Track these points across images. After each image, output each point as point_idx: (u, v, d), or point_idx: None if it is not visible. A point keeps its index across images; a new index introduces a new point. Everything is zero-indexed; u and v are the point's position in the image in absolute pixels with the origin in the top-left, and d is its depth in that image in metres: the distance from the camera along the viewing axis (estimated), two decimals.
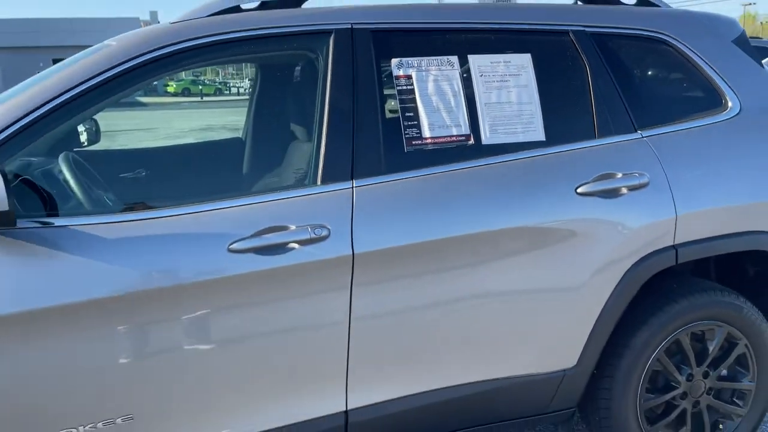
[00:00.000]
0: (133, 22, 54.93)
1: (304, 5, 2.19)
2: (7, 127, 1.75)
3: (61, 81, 1.83)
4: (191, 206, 1.88)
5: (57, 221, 1.77)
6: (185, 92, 56.08)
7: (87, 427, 1.78)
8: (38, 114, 1.77)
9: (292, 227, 1.89)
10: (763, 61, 7.25)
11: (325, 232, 1.90)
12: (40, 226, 1.73)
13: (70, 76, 1.85)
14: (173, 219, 1.83)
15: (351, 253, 1.92)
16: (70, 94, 1.81)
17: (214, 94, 56.82)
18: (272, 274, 1.86)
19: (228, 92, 62.97)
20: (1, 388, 1.71)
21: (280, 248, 1.87)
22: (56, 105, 1.79)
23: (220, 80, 66.12)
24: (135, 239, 1.78)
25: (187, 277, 1.80)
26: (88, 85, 1.83)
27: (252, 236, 1.85)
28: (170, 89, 58.15)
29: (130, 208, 1.90)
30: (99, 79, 1.84)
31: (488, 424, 2.29)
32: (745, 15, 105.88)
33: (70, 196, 1.96)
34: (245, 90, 63.19)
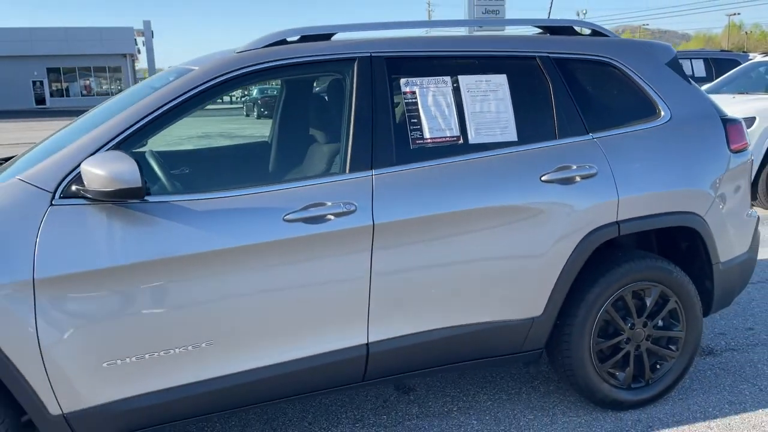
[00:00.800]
0: (126, 32, 55.37)
1: (333, 38, 2.86)
2: (129, 127, 2.42)
3: (162, 95, 2.50)
4: (256, 188, 2.55)
5: (156, 198, 2.43)
6: None
7: (180, 349, 2.43)
8: (149, 119, 2.44)
9: (329, 203, 2.55)
10: (733, 70, 7.96)
11: (353, 208, 2.57)
12: (147, 202, 2.38)
13: (167, 92, 2.51)
14: (243, 197, 2.50)
15: (372, 223, 2.59)
16: (170, 105, 2.48)
17: None
18: (314, 238, 2.53)
19: (220, 101, 63.60)
20: (129, 317, 2.35)
21: (320, 219, 2.53)
22: (161, 113, 2.46)
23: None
24: (217, 211, 2.44)
25: (255, 239, 2.46)
26: (182, 99, 2.50)
27: (300, 210, 2.51)
28: None
29: (211, 189, 2.55)
30: (189, 94, 2.51)
31: (476, 360, 2.96)
32: (730, 25, 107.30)
33: (164, 181, 2.61)
34: (236, 99, 63.36)
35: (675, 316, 3.16)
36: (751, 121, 7.40)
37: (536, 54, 3.02)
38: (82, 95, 55.21)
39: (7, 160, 3.23)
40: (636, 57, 3.18)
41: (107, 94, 55.66)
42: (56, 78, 53.93)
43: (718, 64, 12.45)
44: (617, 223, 2.94)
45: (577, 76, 3.06)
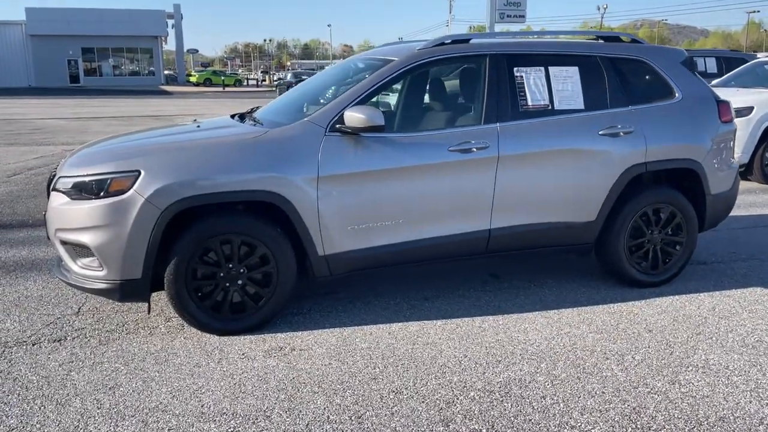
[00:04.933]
0: (158, 14, 57.06)
1: (471, 42, 4.57)
2: (363, 93, 4.14)
3: (378, 75, 4.21)
4: (436, 131, 4.28)
5: (381, 134, 4.13)
6: (207, 82, 58.40)
7: (387, 222, 4.16)
8: (373, 88, 4.16)
9: (473, 141, 4.28)
10: (742, 66, 9.71)
11: (487, 145, 4.30)
12: (379, 135, 4.10)
13: (381, 73, 4.22)
14: (426, 135, 4.23)
15: (497, 155, 4.31)
16: (384, 80, 4.21)
17: (234, 85, 59.13)
18: (464, 161, 4.25)
19: (246, 84, 65.44)
20: (362, 201, 4.08)
21: (468, 151, 4.26)
22: (379, 85, 4.18)
23: (229, 73, 68.42)
24: (412, 143, 4.17)
25: (432, 161, 4.19)
26: (390, 77, 4.23)
27: (457, 144, 4.24)
28: (192, 79, 60.46)
29: (407, 131, 4.26)
30: (396, 74, 4.24)
31: (552, 246, 4.68)
32: (749, 23, 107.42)
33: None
34: (260, 82, 64.48)
35: (680, 227, 4.87)
36: (749, 110, 9.07)
37: (596, 54, 4.73)
38: (114, 75, 56.98)
39: (251, 111, 5.01)
40: (660, 57, 4.88)
41: (138, 74, 57.37)
42: (90, 58, 55.74)
43: (728, 62, 14.20)
44: (645, 163, 4.65)
45: (622, 69, 4.76)
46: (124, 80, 55.83)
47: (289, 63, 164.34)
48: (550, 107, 4.53)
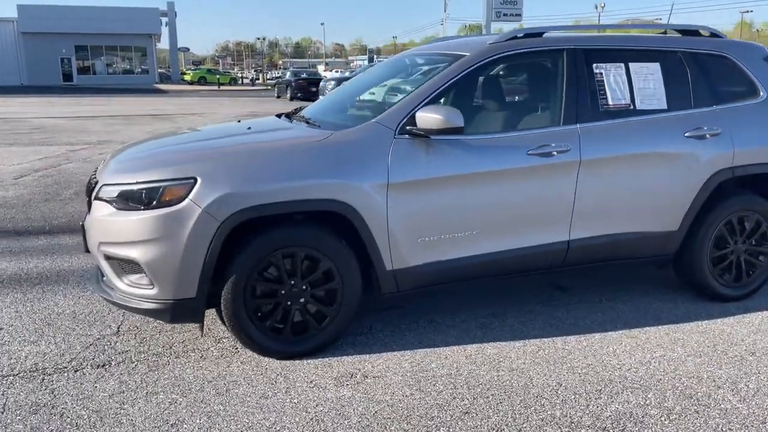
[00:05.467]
0: (152, 12, 56.48)
1: (544, 36, 4.19)
2: (434, 92, 3.74)
3: (450, 71, 3.82)
4: (513, 133, 3.89)
5: (454, 137, 3.73)
6: (201, 81, 57.85)
7: (460, 234, 3.77)
8: (444, 86, 3.77)
9: (553, 144, 3.90)
10: None
11: (568, 148, 3.91)
12: (451, 138, 3.70)
13: (452, 69, 3.83)
14: (503, 138, 3.84)
15: (579, 159, 3.94)
16: (456, 77, 3.82)
17: (229, 84, 58.61)
18: (544, 166, 3.87)
19: (241, 82, 64.86)
20: (433, 210, 3.69)
21: (549, 155, 3.88)
22: (451, 82, 3.79)
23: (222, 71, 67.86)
24: (486, 147, 3.78)
25: (510, 165, 3.80)
26: (461, 75, 3.83)
27: (536, 148, 3.86)
28: (187, 77, 59.89)
29: (482, 132, 3.88)
30: (468, 70, 3.85)
31: (630, 259, 4.30)
32: (742, 22, 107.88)
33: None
34: (254, 81, 63.98)
35: (765, 237, 4.50)
36: None
37: (677, 49, 4.35)
38: (108, 73, 56.35)
39: (296, 111, 4.61)
40: (743, 53, 4.51)
41: (131, 72, 56.77)
42: (83, 56, 55.10)
43: None
44: (732, 168, 4.28)
45: (705, 66, 4.39)
46: (118, 79, 55.18)
47: (281, 62, 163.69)
48: (631, 107, 4.16)
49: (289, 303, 3.56)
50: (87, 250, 3.87)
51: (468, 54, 3.96)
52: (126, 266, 3.48)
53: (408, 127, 3.65)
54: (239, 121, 4.70)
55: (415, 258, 3.73)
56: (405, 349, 3.75)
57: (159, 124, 18.39)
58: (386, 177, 3.57)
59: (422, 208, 3.67)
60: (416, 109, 3.66)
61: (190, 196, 3.31)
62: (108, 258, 3.52)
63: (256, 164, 3.46)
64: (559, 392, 3.25)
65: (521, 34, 4.14)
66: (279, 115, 4.75)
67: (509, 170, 3.82)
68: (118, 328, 4.00)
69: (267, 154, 3.54)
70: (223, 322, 3.58)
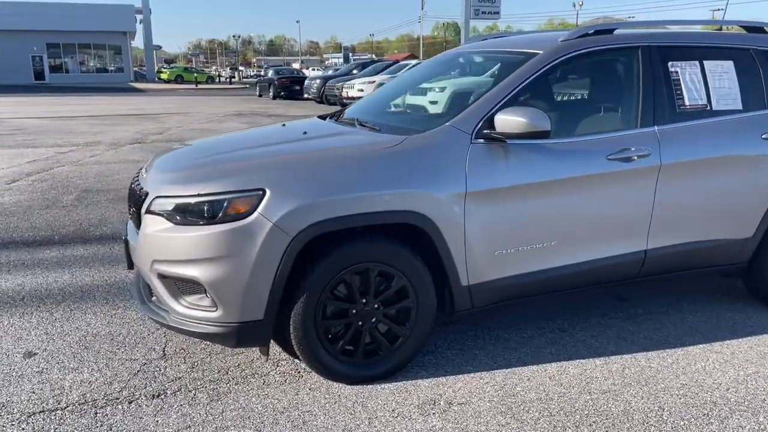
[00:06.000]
0: (127, 9, 55.41)
1: (614, 32, 3.93)
2: (509, 93, 3.45)
3: (523, 71, 3.54)
4: (590, 136, 3.62)
5: (533, 141, 3.47)
6: (178, 79, 56.95)
7: (543, 245, 3.51)
8: (520, 87, 3.48)
9: (633, 149, 3.65)
10: None
11: (648, 152, 3.67)
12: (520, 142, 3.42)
13: (525, 71, 3.54)
14: (582, 141, 3.58)
15: (659, 164, 3.69)
16: (532, 76, 3.54)
17: (207, 82, 57.79)
18: (624, 172, 3.62)
19: (219, 81, 63.98)
20: (513, 220, 3.42)
21: (629, 159, 3.63)
22: (528, 82, 3.50)
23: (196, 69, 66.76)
24: (565, 152, 3.52)
25: (590, 171, 3.54)
26: (537, 75, 3.55)
27: (617, 152, 3.60)
28: (163, 76, 58.94)
29: (560, 136, 3.61)
30: (541, 72, 3.57)
31: (702, 268, 4.08)
32: (713, 20, 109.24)
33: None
34: (227, 79, 63.25)
35: None
36: None
37: (749, 47, 4.13)
38: (81, 72, 55.22)
39: (339, 113, 4.32)
40: None
41: (105, 71, 55.69)
42: (56, 53, 53.90)
43: None
44: None
45: None
46: (92, 77, 54.07)
47: (254, 59, 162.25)
48: (708, 107, 3.93)
49: (360, 323, 3.27)
50: (131, 267, 3.54)
51: (541, 52, 3.69)
52: (185, 286, 3.15)
53: (485, 131, 3.37)
54: (283, 125, 4.38)
55: (491, 272, 3.46)
56: (481, 371, 3.48)
57: (147, 124, 17.89)
58: (464, 185, 3.29)
59: (501, 218, 3.40)
60: (494, 112, 3.38)
61: (259, 209, 3.00)
62: (162, 277, 3.19)
63: (328, 173, 3.16)
64: (666, 418, 3.00)
65: (591, 31, 3.88)
66: (323, 117, 4.44)
67: (589, 177, 3.56)
68: (164, 350, 3.67)
69: (339, 162, 3.23)
70: (281, 344, 3.27)
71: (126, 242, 3.50)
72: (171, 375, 3.39)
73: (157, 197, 3.20)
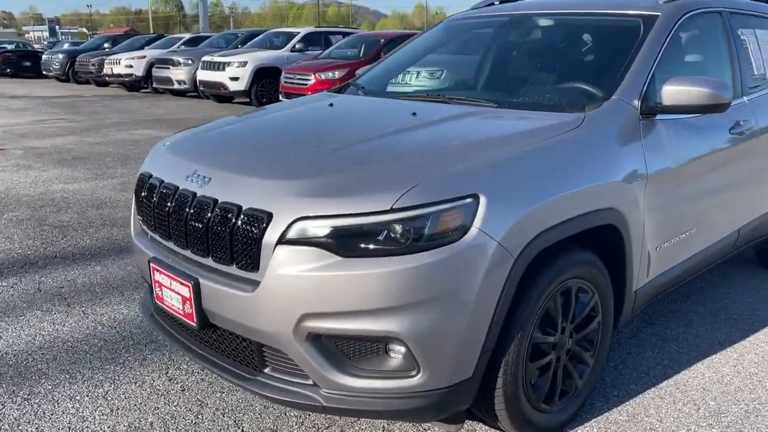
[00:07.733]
0: None
1: None
2: (651, 68, 2.89)
3: (653, 41, 2.99)
4: None
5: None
6: None
7: (687, 233, 3.06)
8: (658, 61, 2.94)
9: (741, 120, 3.37)
10: None
11: (751, 123, 3.42)
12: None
13: (655, 37, 3.00)
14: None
15: (760, 134, 3.47)
16: (665, 47, 3.01)
17: None
18: (741, 145, 3.33)
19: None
20: (679, 207, 2.92)
21: (741, 133, 3.34)
22: (662, 55, 2.97)
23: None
24: (698, 126, 3.08)
25: (719, 146, 3.23)
26: (667, 42, 3.03)
27: (734, 125, 3.30)
28: None
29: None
30: (669, 38, 3.06)
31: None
32: (418, 6, 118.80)
33: None
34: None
35: None
36: None
37: None
38: None
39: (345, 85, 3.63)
40: None
41: None
42: None
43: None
44: None
45: None
46: None
47: None
48: (765, 77, 3.81)
49: (557, 359, 2.53)
50: (205, 327, 2.36)
51: (660, 13, 3.19)
52: (357, 347, 2.13)
53: (651, 104, 2.80)
54: (331, 105, 3.33)
55: (651, 271, 2.94)
56: (664, 379, 2.95)
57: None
58: (645, 169, 2.71)
59: (668, 206, 2.92)
60: (648, 83, 2.82)
61: (476, 223, 2.09)
62: (316, 338, 2.12)
63: (532, 169, 2.34)
64: None
65: None
66: (339, 90, 3.53)
67: (718, 152, 3.24)
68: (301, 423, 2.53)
69: (538, 154, 2.42)
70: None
71: (197, 286, 2.30)
72: None
73: (298, 220, 2.09)
